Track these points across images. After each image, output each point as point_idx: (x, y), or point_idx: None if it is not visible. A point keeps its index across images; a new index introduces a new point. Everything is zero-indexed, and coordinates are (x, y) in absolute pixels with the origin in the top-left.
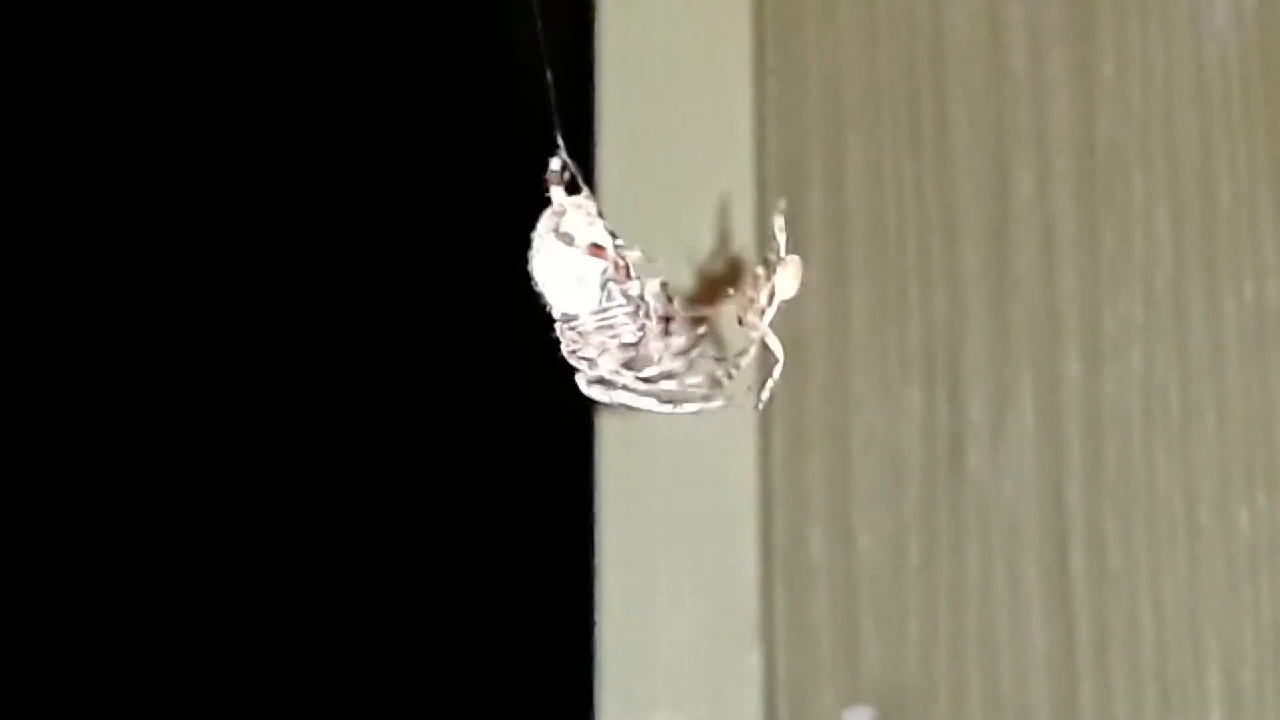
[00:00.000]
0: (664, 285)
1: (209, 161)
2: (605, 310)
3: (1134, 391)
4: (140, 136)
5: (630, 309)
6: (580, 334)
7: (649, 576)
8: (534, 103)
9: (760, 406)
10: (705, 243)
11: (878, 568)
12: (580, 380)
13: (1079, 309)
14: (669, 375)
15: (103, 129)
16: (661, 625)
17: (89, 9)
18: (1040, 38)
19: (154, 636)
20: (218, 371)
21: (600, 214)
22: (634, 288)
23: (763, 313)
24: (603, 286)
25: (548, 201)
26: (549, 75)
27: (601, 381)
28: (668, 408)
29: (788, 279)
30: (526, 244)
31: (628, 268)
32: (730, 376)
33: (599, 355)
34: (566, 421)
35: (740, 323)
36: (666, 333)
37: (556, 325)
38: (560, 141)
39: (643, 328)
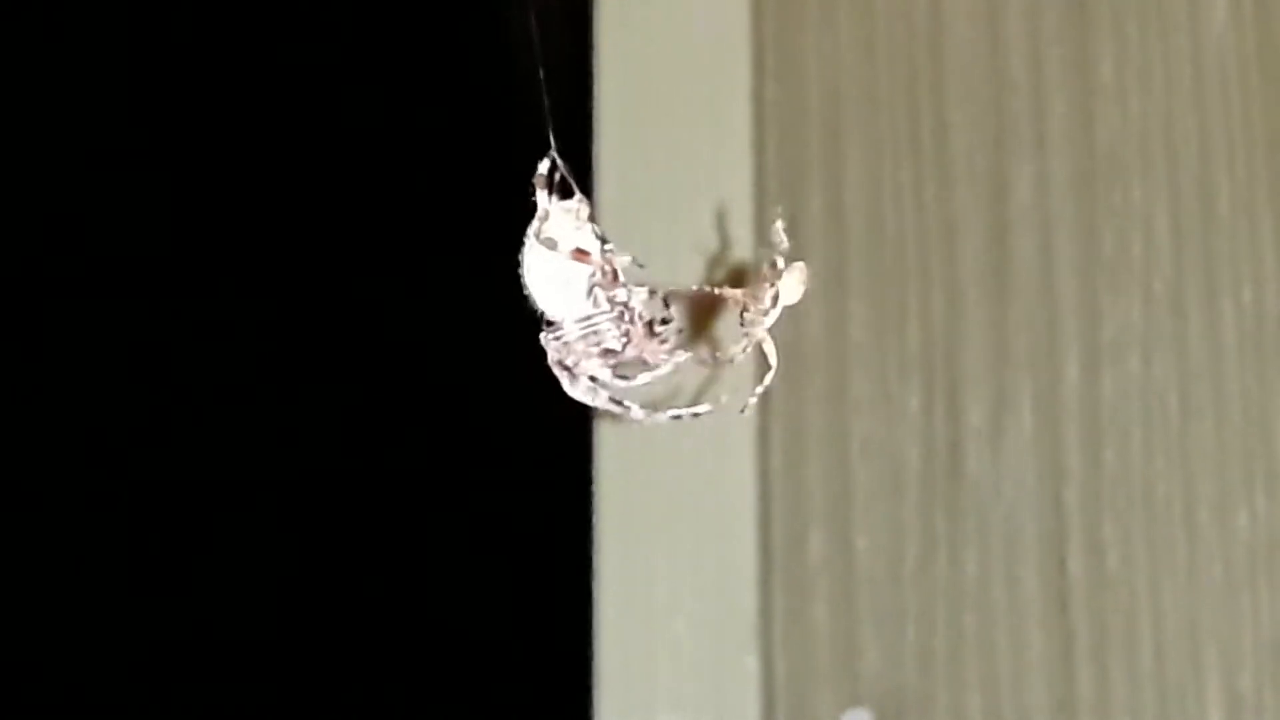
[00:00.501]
0: (652, 293)
1: (209, 161)
2: (590, 318)
3: (1133, 395)
4: (140, 137)
5: (615, 315)
6: (565, 344)
7: (648, 579)
8: (532, 107)
9: (745, 411)
10: (703, 248)
11: (877, 571)
12: (564, 381)
13: (1077, 313)
14: (650, 368)
15: (103, 129)
16: (660, 628)
17: (88, 9)
18: (1039, 42)
19: (154, 636)
20: (218, 372)
21: (592, 218)
22: (621, 294)
23: (765, 314)
24: (589, 292)
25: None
26: (541, 74)
27: (590, 380)
28: (655, 415)
29: (793, 284)
30: (521, 248)
31: (615, 273)
32: (715, 359)
33: (583, 362)
34: (566, 424)
35: (741, 323)
36: (653, 336)
37: (540, 335)
38: (553, 142)
39: (627, 334)
